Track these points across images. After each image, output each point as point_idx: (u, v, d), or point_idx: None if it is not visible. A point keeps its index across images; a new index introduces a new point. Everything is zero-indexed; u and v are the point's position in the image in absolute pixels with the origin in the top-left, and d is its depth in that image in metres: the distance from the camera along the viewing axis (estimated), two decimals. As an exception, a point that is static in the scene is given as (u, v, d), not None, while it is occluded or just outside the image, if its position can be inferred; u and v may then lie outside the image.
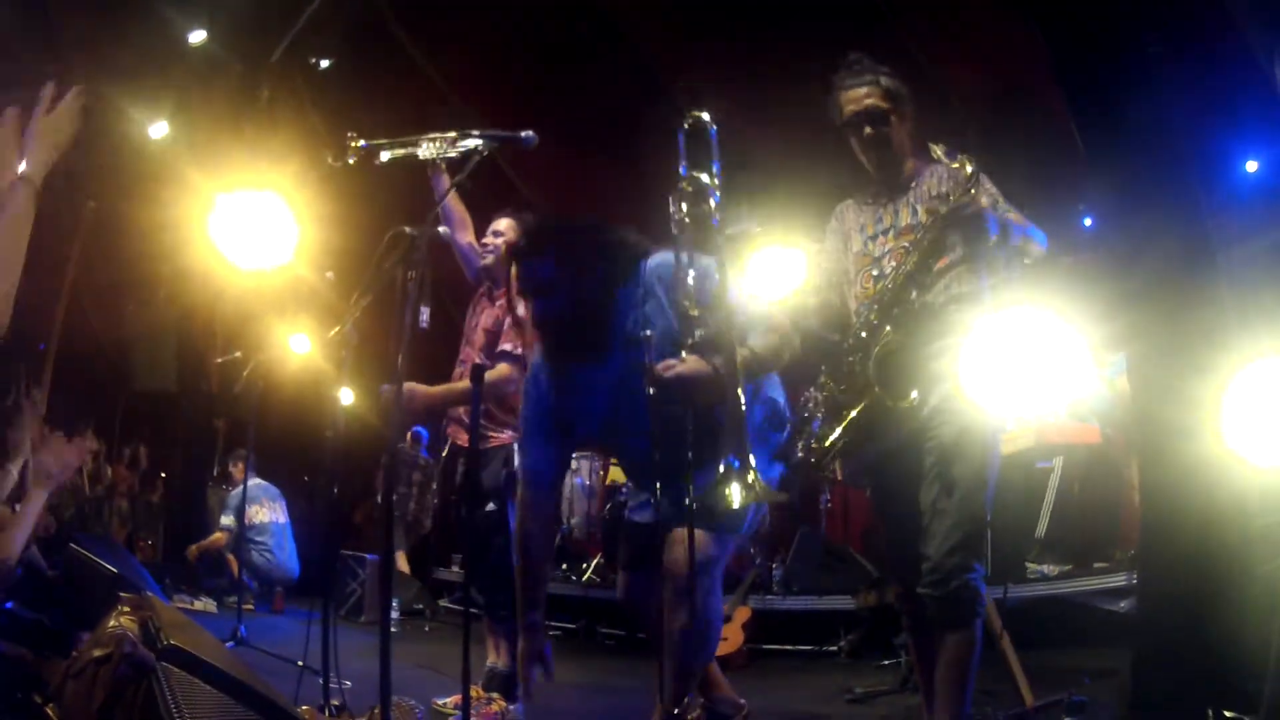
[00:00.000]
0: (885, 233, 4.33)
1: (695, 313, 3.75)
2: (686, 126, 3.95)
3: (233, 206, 6.15)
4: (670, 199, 3.87)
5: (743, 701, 4.88)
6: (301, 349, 9.85)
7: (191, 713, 2.90)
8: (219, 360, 11.07)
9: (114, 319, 13.29)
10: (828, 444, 4.15)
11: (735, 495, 3.56)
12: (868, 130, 4.25)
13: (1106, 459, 8.46)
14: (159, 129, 10.33)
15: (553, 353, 4.25)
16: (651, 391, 3.66)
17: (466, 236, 6.00)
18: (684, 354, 3.71)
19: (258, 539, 10.92)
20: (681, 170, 3.89)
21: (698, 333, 3.72)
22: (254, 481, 10.41)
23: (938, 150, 4.14)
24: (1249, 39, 5.21)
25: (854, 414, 4.06)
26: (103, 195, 10.51)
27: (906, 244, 4.17)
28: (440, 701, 5.74)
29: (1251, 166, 7.20)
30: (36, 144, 3.30)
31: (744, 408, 3.65)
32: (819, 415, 4.21)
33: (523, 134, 4.07)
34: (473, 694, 5.17)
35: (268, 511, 11.25)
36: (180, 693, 2.97)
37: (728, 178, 3.93)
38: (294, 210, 6.09)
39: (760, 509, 4.34)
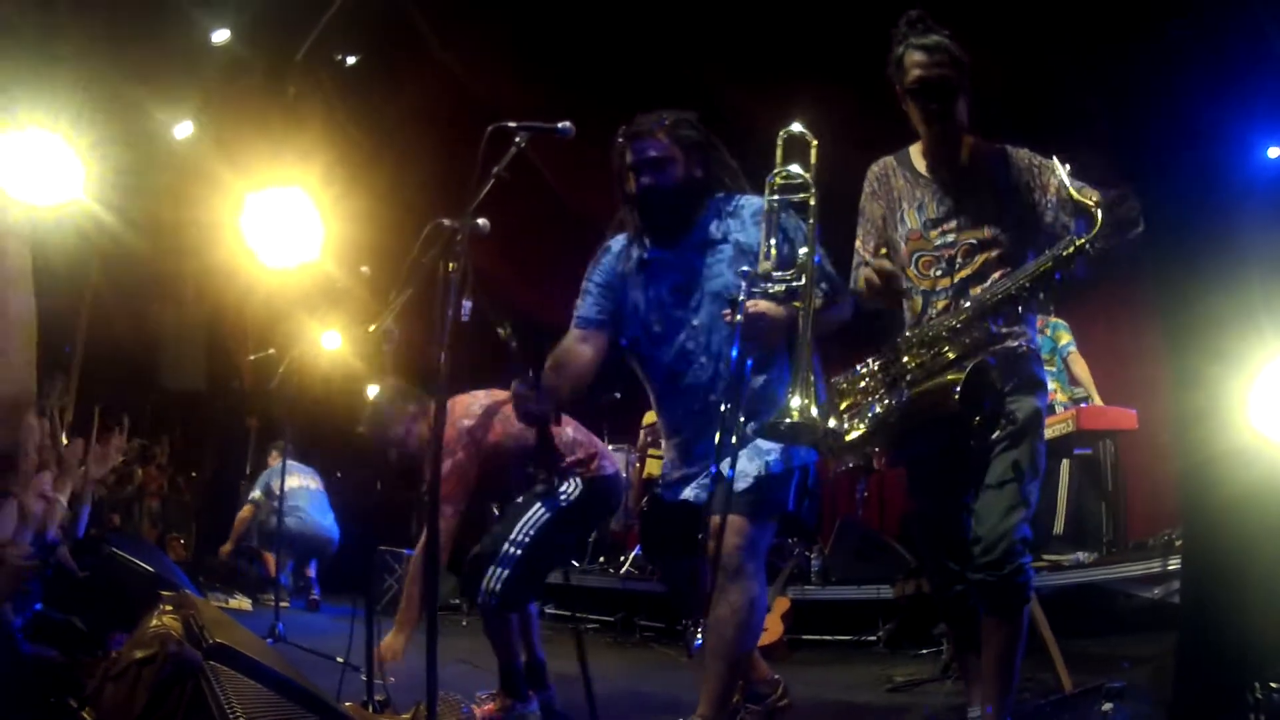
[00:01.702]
0: (948, 219, 4.16)
1: (772, 265, 4.11)
2: (784, 137, 4.21)
3: (260, 205, 6.16)
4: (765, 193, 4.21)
5: (777, 677, 4.94)
6: (334, 346, 9.90)
7: (245, 711, 2.89)
8: (251, 358, 11.08)
9: (141, 319, 13.30)
10: (865, 430, 4.09)
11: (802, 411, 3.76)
12: (934, 105, 4.07)
13: (1142, 443, 8.46)
14: (184, 128, 10.35)
15: (642, 223, 4.62)
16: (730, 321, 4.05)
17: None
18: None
19: (290, 503, 10.82)
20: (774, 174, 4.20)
21: (773, 287, 4.03)
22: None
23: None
24: (1269, 25, 5.17)
25: (913, 393, 3.94)
26: (128, 195, 10.55)
27: (973, 240, 4.07)
28: (481, 695, 5.71)
29: (1274, 153, 7.18)
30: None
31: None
32: (873, 395, 4.11)
33: (559, 125, 4.04)
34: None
35: (299, 478, 11.18)
36: (230, 690, 2.96)
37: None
38: (323, 207, 6.11)
39: (809, 497, 4.42)
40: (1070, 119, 7.92)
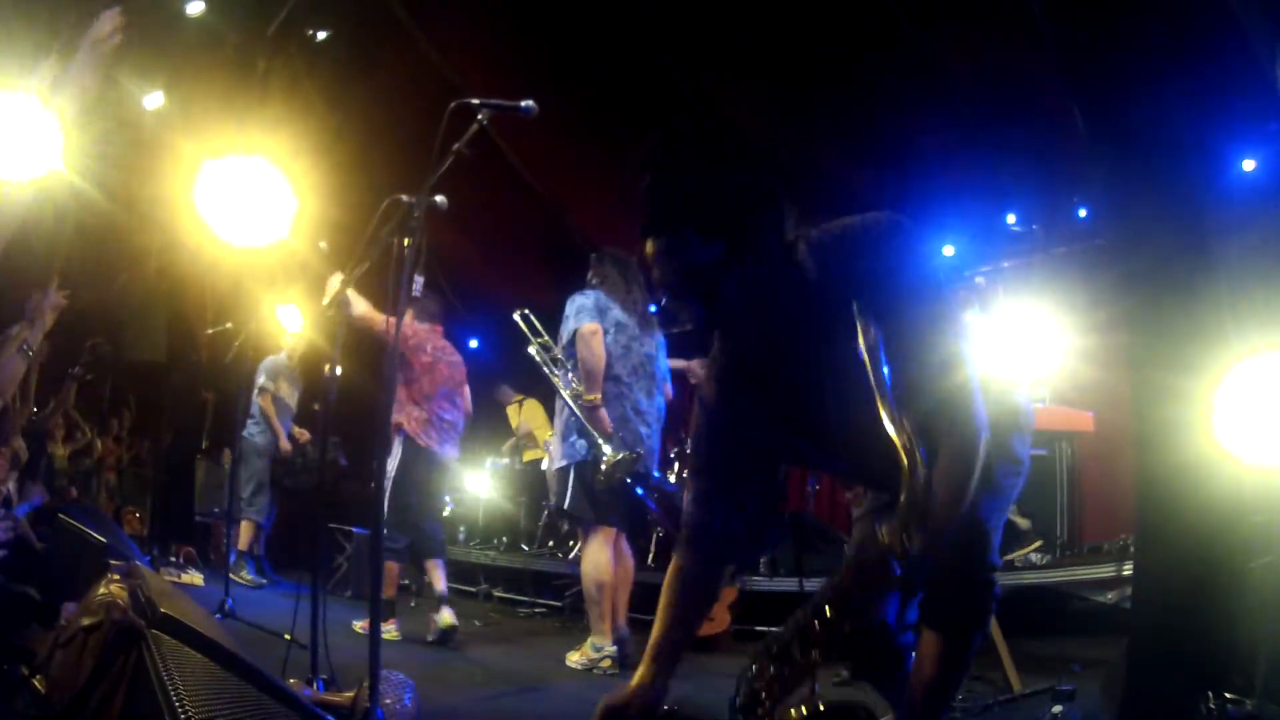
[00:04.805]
0: None
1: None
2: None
3: (228, 182, 6.10)
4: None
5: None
6: (291, 321, 9.85)
7: (183, 680, 2.87)
8: (209, 331, 10.95)
9: (107, 291, 13.17)
10: None
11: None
12: None
13: (1097, 447, 8.47)
14: (154, 100, 10.28)
15: None
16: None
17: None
18: None
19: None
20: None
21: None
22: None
23: None
24: (1250, 37, 5.19)
25: None
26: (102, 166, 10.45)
27: None
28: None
29: (1248, 165, 7.21)
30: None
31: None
32: None
33: (522, 103, 4.03)
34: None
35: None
36: (171, 660, 2.94)
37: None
38: (289, 183, 6.06)
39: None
40: (1045, 123, 7.97)
